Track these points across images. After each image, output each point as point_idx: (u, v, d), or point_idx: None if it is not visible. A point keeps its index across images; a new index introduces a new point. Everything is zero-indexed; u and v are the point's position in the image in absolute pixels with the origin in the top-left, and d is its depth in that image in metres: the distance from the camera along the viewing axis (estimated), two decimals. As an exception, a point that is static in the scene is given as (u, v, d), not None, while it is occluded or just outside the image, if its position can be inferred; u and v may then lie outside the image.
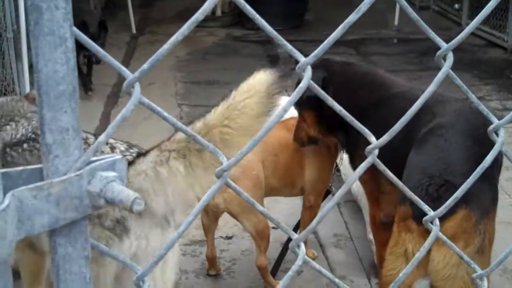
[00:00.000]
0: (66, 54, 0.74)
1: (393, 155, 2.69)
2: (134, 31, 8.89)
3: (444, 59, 1.02)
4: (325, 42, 0.86)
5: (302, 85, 0.84)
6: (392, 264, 2.36)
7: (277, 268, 3.53)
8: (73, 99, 0.75)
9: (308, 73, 0.85)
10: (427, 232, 2.28)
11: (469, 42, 8.40)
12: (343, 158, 4.27)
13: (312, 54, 0.86)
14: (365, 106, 3.00)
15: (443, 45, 0.95)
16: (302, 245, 0.94)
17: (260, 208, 0.93)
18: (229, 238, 3.97)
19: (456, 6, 9.27)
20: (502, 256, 1.22)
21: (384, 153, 2.85)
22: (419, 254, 1.05)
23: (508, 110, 5.92)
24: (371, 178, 2.97)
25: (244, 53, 8.27)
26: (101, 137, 0.77)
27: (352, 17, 0.84)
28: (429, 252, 2.35)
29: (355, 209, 4.22)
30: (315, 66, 3.36)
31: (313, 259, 3.72)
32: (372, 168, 3.07)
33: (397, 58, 7.73)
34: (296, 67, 0.85)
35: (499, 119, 5.12)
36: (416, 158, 2.50)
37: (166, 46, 0.77)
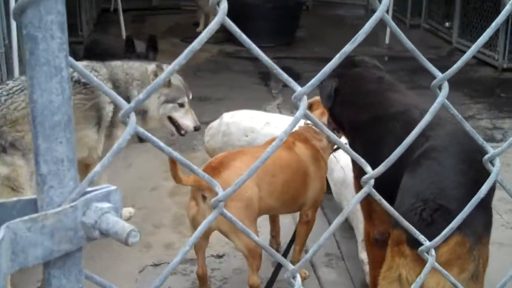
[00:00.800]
0: (62, 84, 0.73)
1: (386, 178, 2.68)
2: (123, 34, 8.88)
3: (440, 88, 1.02)
4: (321, 72, 0.86)
5: (298, 115, 0.83)
6: None
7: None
8: (68, 129, 0.74)
9: (304, 103, 0.85)
10: (420, 258, 2.28)
11: (460, 60, 8.46)
12: (336, 179, 4.28)
13: (308, 84, 0.85)
14: (362, 123, 3.02)
15: (438, 74, 0.95)
16: (298, 276, 0.93)
17: (255, 238, 0.92)
18: (220, 257, 3.95)
19: (447, 24, 9.34)
20: (501, 283, 1.22)
21: (377, 177, 2.86)
22: (415, 285, 1.04)
23: (498, 129, 5.95)
24: (358, 186, 3.00)
25: (235, 69, 8.30)
26: (97, 167, 0.76)
27: (348, 47, 0.84)
28: None
29: (346, 228, 4.21)
30: (330, 75, 3.39)
31: (304, 278, 3.71)
32: (359, 178, 3.03)
33: (389, 76, 7.76)
34: (292, 97, 0.84)
35: (489, 138, 5.16)
36: (409, 181, 2.48)
37: (162, 76, 0.76)
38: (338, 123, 3.31)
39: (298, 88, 0.85)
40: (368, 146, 2.95)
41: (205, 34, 0.75)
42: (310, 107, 3.89)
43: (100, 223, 0.76)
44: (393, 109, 2.99)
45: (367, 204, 2.94)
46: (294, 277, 0.92)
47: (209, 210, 3.17)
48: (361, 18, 10.89)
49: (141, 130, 0.79)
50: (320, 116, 3.74)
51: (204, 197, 3.18)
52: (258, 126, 4.96)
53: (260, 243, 0.92)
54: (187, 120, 4.29)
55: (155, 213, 4.45)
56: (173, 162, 3.01)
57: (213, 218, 0.85)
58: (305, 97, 0.85)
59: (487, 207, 2.45)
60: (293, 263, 3.88)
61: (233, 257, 3.96)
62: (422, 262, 2.29)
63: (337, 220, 0.95)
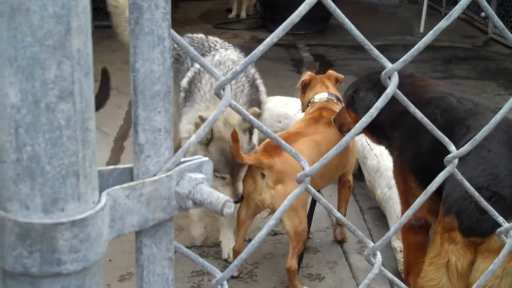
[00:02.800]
0: (163, 54, 0.73)
1: (424, 170, 2.67)
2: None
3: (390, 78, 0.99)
4: (415, 47, 0.85)
5: (389, 91, 0.83)
6: (432, 275, 2.34)
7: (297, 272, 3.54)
8: (167, 100, 0.75)
9: (394, 79, 0.85)
10: (472, 244, 2.27)
11: (496, 51, 8.35)
12: (370, 167, 4.28)
13: (400, 60, 0.85)
14: (399, 113, 2.99)
15: (388, 65, 0.91)
16: (378, 254, 0.94)
17: (338, 214, 0.92)
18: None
19: (483, 14, 9.21)
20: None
21: (416, 168, 2.83)
22: (493, 266, 1.03)
23: (534, 120, 5.88)
24: (401, 180, 2.98)
25: (268, 56, 8.26)
26: (192, 138, 0.77)
27: (443, 23, 0.83)
28: (472, 263, 2.34)
29: (378, 216, 4.20)
30: (366, 87, 3.34)
31: None
32: (402, 170, 3.01)
33: (422, 65, 7.69)
34: (383, 73, 0.84)
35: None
36: (459, 169, 2.48)
37: (260, 48, 0.77)
38: (373, 128, 3.20)
39: (389, 65, 0.85)
40: (408, 134, 2.94)
41: (304, 6, 0.74)
42: (309, 83, 3.95)
43: (194, 193, 0.77)
44: (429, 95, 2.97)
45: (405, 189, 2.94)
46: (374, 255, 0.92)
47: (266, 188, 3.25)
48: (394, 7, 10.79)
49: (234, 103, 0.79)
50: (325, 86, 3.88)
51: (262, 175, 3.24)
52: (291, 113, 4.96)
53: (344, 220, 0.92)
54: None
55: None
56: (235, 140, 3.06)
57: (299, 192, 0.85)
58: (396, 73, 0.84)
59: None
60: (340, 226, 3.94)
61: (264, 242, 3.97)
62: (472, 248, 2.29)
63: (420, 198, 0.95)
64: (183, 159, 0.79)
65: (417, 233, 2.96)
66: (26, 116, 0.64)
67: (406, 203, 3.05)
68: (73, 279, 0.69)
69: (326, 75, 4.01)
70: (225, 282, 0.84)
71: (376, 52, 0.83)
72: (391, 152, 3.19)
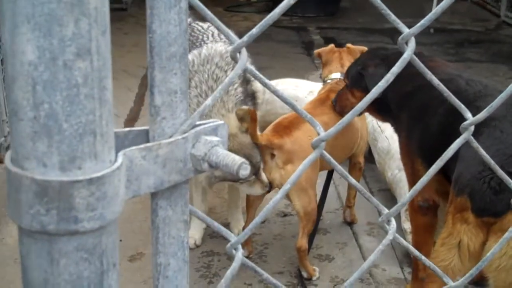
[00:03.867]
0: (180, 15, 0.73)
1: (432, 152, 2.64)
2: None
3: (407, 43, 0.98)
4: (431, 13, 0.85)
5: (406, 55, 0.83)
6: (444, 255, 2.33)
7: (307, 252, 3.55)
8: (183, 61, 0.75)
9: (412, 44, 0.84)
10: (484, 224, 2.26)
11: (508, 34, 8.29)
12: (381, 149, 4.27)
13: (418, 25, 0.85)
14: (407, 94, 2.98)
15: (405, 30, 0.91)
16: (393, 220, 0.94)
17: (353, 181, 0.92)
18: (262, 222, 3.98)
19: (495, -4, 9.15)
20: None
21: (424, 150, 2.80)
22: (502, 240, 1.03)
23: (546, 104, 5.84)
24: (409, 162, 2.97)
25: (278, 38, 8.25)
26: (208, 101, 0.77)
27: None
28: (483, 243, 2.33)
29: (388, 197, 4.20)
30: (375, 63, 3.22)
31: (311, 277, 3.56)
32: (409, 151, 2.97)
33: (434, 48, 7.65)
34: (400, 38, 0.83)
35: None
36: (471, 149, 2.47)
37: (277, 10, 0.76)
38: (380, 107, 3.17)
39: (406, 29, 0.84)
40: (416, 116, 2.92)
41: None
42: (324, 58, 3.87)
43: (209, 155, 0.77)
44: (438, 77, 2.93)
45: (412, 170, 2.93)
46: (389, 221, 0.92)
47: (276, 167, 3.25)
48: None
49: (250, 67, 0.79)
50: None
51: (272, 155, 3.25)
52: (302, 95, 4.95)
53: (357, 185, 0.92)
54: None
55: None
56: (254, 120, 3.07)
57: (314, 157, 0.85)
58: (413, 38, 0.84)
59: None
60: (350, 207, 3.95)
61: (274, 223, 3.98)
62: (485, 228, 2.28)
63: (432, 170, 0.94)
64: (198, 122, 0.79)
65: (425, 214, 2.95)
66: (44, 74, 0.64)
67: (413, 184, 3.04)
68: (89, 237, 0.69)
69: (347, 50, 3.90)
70: (239, 246, 0.84)
71: (393, 17, 0.83)
72: (398, 133, 3.17)
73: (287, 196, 3.36)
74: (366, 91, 3.04)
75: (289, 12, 9.31)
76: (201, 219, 0.84)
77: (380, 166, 4.34)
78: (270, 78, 5.17)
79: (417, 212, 3.01)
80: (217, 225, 0.84)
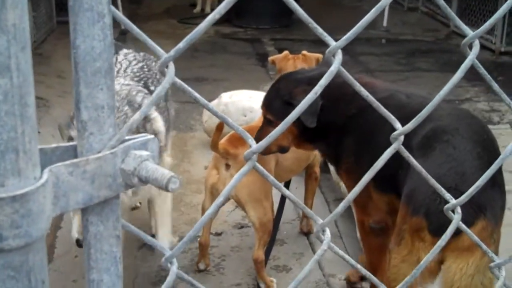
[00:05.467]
0: (104, 30, 0.73)
1: (385, 172, 2.59)
2: (122, 27, 8.86)
3: (470, 47, 1.02)
4: (357, 25, 0.87)
5: (333, 68, 0.84)
6: (405, 270, 2.31)
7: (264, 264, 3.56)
8: (109, 76, 0.75)
9: (338, 57, 0.86)
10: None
11: (457, 43, 8.46)
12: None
13: (343, 38, 0.86)
14: (350, 117, 2.88)
15: (470, 32, 0.95)
16: (327, 230, 0.95)
17: (287, 192, 0.93)
18: (218, 234, 3.98)
19: (444, 7, 9.32)
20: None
21: (372, 160, 2.77)
22: (440, 243, 1.05)
23: (496, 111, 5.97)
24: (354, 177, 2.84)
25: (233, 50, 8.28)
26: (136, 115, 0.77)
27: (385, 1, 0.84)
28: (441, 262, 2.34)
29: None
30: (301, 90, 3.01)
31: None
32: (360, 176, 2.88)
33: (386, 59, 7.77)
34: (327, 51, 0.85)
35: (487, 121, 5.18)
36: (423, 166, 2.41)
37: (203, 25, 0.77)
38: (309, 133, 2.99)
39: (333, 43, 0.86)
40: (365, 138, 2.84)
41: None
42: (278, 66, 3.80)
43: (139, 170, 0.77)
44: (377, 96, 2.87)
45: (363, 195, 2.88)
46: (323, 231, 0.93)
47: (230, 178, 3.24)
48: (358, 0, 10.87)
49: (178, 80, 0.80)
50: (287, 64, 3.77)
51: (227, 166, 3.25)
52: (256, 106, 4.96)
53: (293, 198, 0.93)
54: None
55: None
56: (219, 129, 3.07)
57: (247, 170, 0.86)
58: (340, 51, 0.86)
59: (503, 191, 2.44)
60: (307, 218, 3.95)
61: (231, 235, 3.98)
62: (442, 248, 2.28)
63: (343, 203, 0.96)
64: (128, 137, 0.79)
65: (378, 236, 2.91)
66: (-37, 91, 0.64)
67: (362, 207, 2.97)
68: (16, 255, 0.68)
69: (302, 57, 3.83)
70: (174, 260, 0.84)
71: (320, 30, 0.85)
72: (339, 160, 2.99)
73: (243, 208, 3.36)
74: (298, 120, 2.74)
75: (244, 24, 9.35)
76: (134, 233, 0.84)
77: (335, 176, 4.38)
78: (225, 90, 5.18)
79: (369, 234, 2.98)
80: (150, 239, 0.84)
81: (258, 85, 6.43)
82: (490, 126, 5.59)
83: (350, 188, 2.97)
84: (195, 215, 4.10)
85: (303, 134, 2.97)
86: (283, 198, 3.73)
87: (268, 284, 3.40)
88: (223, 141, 3.33)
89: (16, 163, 0.67)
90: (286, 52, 3.95)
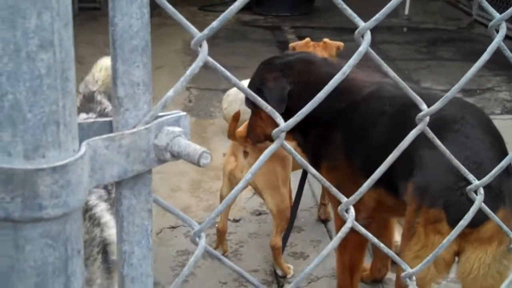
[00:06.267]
0: (141, 9, 0.76)
1: (378, 151, 2.48)
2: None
3: (497, 30, 1.03)
4: (386, 7, 0.88)
5: (362, 49, 0.86)
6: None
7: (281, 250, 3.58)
8: (145, 54, 0.77)
9: (367, 37, 0.87)
10: (460, 235, 2.25)
11: (480, 32, 8.41)
12: None
13: (373, 19, 0.88)
14: (334, 113, 2.81)
15: (496, 15, 0.96)
16: (352, 208, 0.97)
17: (313, 170, 0.95)
18: (236, 221, 4.01)
19: (467, -4, 9.27)
20: None
21: (370, 167, 2.65)
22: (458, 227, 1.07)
23: (517, 101, 5.94)
24: (350, 183, 2.62)
25: (253, 38, 8.29)
26: (170, 92, 0.79)
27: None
28: (457, 254, 2.34)
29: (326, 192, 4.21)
30: (276, 68, 2.93)
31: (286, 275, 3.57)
32: (352, 172, 2.73)
33: (407, 47, 7.74)
34: (356, 32, 0.86)
35: (508, 110, 5.13)
36: (435, 156, 2.30)
37: (237, 3, 0.79)
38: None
39: (362, 23, 0.88)
40: (356, 133, 2.77)
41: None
42: (294, 50, 3.77)
43: (171, 145, 0.80)
44: (366, 90, 2.82)
45: (351, 188, 2.72)
46: (347, 210, 0.95)
47: (248, 165, 3.26)
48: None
49: (211, 60, 0.82)
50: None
51: (245, 153, 3.27)
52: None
53: (320, 178, 0.95)
54: None
55: (172, 177, 4.50)
56: (235, 119, 3.09)
57: (275, 148, 0.88)
58: (369, 32, 0.87)
59: None
60: (325, 205, 3.93)
61: (249, 222, 4.02)
62: (460, 239, 2.26)
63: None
64: (161, 113, 0.81)
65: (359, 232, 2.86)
66: (8, 65, 0.66)
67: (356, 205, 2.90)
68: (54, 224, 0.71)
69: (323, 45, 3.84)
70: (202, 234, 0.87)
71: (349, 11, 0.86)
72: (325, 155, 2.90)
73: (260, 195, 3.39)
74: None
75: (264, 11, 9.35)
76: (164, 207, 0.87)
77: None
78: (246, 77, 5.17)
79: (351, 231, 2.93)
80: (180, 214, 0.87)
81: (278, 73, 6.45)
82: (510, 116, 5.57)
83: (341, 185, 2.70)
84: (213, 201, 4.13)
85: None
86: (301, 186, 3.73)
87: (285, 271, 3.42)
88: (241, 129, 3.35)
89: (57, 136, 0.70)
90: (307, 39, 3.96)
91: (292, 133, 2.95)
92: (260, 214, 4.10)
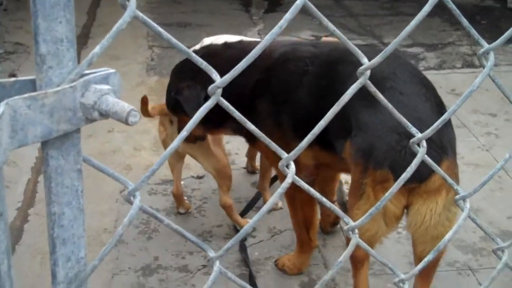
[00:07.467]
0: (61, -38, 0.72)
1: (310, 124, 2.42)
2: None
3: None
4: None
5: (299, 2, 0.83)
6: (369, 226, 2.29)
7: (247, 211, 3.59)
8: (68, 10, 0.74)
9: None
10: (408, 190, 2.27)
11: (442, -13, 8.40)
12: None
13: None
14: (253, 87, 2.79)
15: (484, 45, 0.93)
16: (292, 164, 0.96)
17: (252, 126, 0.93)
18: (200, 177, 4.00)
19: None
20: (485, 178, 1.26)
21: (300, 127, 2.61)
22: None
23: (478, 55, 5.97)
24: (285, 146, 2.64)
25: (216, -5, 8.17)
26: (96, 49, 0.76)
27: None
28: (408, 207, 2.36)
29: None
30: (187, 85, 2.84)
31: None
32: (283, 136, 2.68)
33: (370, 3, 7.70)
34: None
35: (469, 64, 5.16)
36: (375, 117, 2.33)
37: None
38: (214, 118, 2.64)
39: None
40: (280, 98, 2.75)
41: None
42: None
43: (99, 104, 0.77)
44: (277, 53, 2.78)
45: (287, 149, 2.70)
46: (287, 166, 0.94)
47: (176, 133, 3.23)
48: None
49: (140, 14, 0.79)
50: None
51: (171, 122, 3.28)
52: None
53: (257, 132, 0.93)
54: None
55: (135, 135, 4.46)
56: (144, 101, 3.07)
57: (210, 104, 0.86)
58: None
59: (451, 124, 2.44)
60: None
61: (212, 178, 3.99)
62: (407, 193, 2.29)
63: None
64: (88, 71, 0.79)
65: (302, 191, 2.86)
66: None
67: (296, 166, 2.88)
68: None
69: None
70: (137, 193, 0.85)
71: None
72: (261, 127, 2.85)
73: (196, 160, 3.40)
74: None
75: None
76: (96, 167, 0.85)
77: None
78: (208, 35, 5.09)
79: (298, 190, 2.91)
80: (115, 174, 0.85)
81: (241, 30, 6.37)
82: (471, 70, 5.60)
83: (270, 154, 2.87)
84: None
85: (209, 122, 2.59)
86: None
87: (242, 225, 3.43)
88: (155, 105, 3.29)
89: (-29, 95, 0.67)
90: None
91: (224, 126, 2.95)
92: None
